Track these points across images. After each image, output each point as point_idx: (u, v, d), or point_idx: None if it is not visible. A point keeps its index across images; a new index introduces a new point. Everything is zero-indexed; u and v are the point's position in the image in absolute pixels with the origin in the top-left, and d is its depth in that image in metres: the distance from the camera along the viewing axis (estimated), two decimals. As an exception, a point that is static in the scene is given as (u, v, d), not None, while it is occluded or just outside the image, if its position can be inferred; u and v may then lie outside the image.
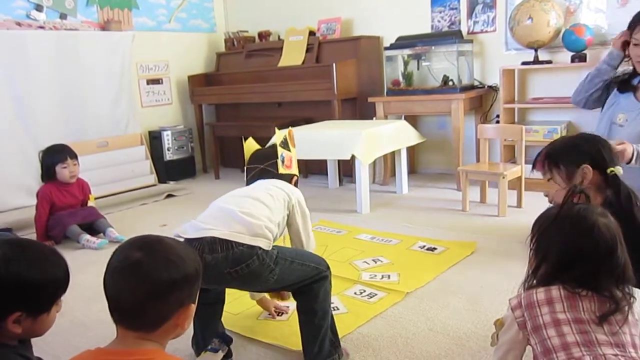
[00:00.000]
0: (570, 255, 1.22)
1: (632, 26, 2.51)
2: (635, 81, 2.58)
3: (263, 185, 1.88)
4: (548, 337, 1.17)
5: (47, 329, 1.24)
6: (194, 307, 1.11)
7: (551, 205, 1.63)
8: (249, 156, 2.06)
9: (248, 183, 1.99)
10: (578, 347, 1.14)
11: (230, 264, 1.59)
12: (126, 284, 1.05)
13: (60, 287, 1.22)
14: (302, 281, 1.72)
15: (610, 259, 1.21)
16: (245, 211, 1.67)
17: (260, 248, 1.61)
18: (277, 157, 1.98)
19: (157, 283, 1.04)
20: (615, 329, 1.16)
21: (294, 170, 2.04)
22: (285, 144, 2.03)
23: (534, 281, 1.29)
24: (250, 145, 2.09)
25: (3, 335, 1.19)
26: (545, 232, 1.29)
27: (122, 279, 1.06)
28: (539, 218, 1.34)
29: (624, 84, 2.62)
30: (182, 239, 1.61)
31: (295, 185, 2.00)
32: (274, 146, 2.02)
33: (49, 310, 1.21)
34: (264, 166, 1.98)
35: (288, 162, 2.01)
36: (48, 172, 3.34)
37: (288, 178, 1.99)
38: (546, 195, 1.83)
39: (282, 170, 1.98)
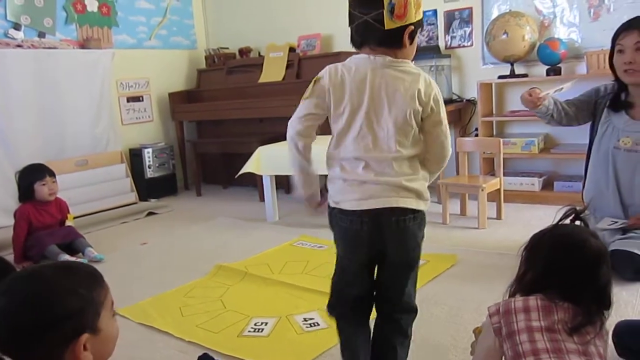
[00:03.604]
0: (556, 265, 1.28)
1: (616, 35, 2.43)
2: (624, 96, 2.52)
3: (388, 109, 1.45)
4: (520, 343, 1.22)
5: None
6: (86, 336, 1.00)
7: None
8: None
9: (353, 41, 1.55)
10: (547, 353, 1.19)
11: None
12: None
13: None
14: None
15: (593, 274, 1.26)
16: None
17: None
18: (383, 7, 1.42)
19: (27, 330, 0.95)
20: (586, 339, 1.21)
21: (410, 16, 1.44)
22: None
23: (519, 288, 1.34)
24: None
25: None
26: (537, 243, 1.35)
27: None
28: (535, 234, 1.39)
29: (615, 102, 2.54)
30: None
31: (411, 37, 1.48)
32: None
33: None
34: (368, 18, 1.45)
35: (400, 9, 1.43)
36: (26, 191, 3.30)
37: (398, 35, 1.45)
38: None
39: (389, 24, 1.43)
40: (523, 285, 1.33)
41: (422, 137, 1.52)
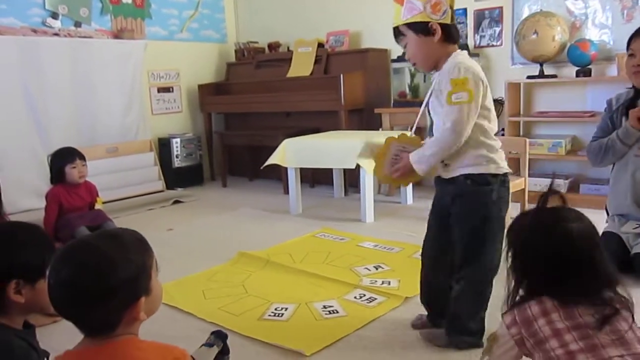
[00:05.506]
0: (552, 265, 1.20)
1: (629, 40, 2.48)
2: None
3: None
4: (552, 349, 1.14)
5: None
6: (144, 299, 1.09)
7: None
8: None
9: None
10: (583, 353, 1.11)
11: None
12: (62, 300, 1.06)
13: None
14: None
15: (590, 263, 1.18)
16: None
17: None
18: None
19: (90, 296, 1.04)
20: (617, 327, 1.14)
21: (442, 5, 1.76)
22: None
23: (517, 297, 1.25)
24: None
25: (9, 318, 1.24)
26: (524, 244, 1.26)
27: (57, 296, 1.06)
28: (513, 228, 1.31)
29: (631, 109, 2.50)
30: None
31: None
32: None
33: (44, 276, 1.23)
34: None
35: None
36: (58, 173, 3.40)
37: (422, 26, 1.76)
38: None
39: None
40: (526, 293, 1.24)
41: None
